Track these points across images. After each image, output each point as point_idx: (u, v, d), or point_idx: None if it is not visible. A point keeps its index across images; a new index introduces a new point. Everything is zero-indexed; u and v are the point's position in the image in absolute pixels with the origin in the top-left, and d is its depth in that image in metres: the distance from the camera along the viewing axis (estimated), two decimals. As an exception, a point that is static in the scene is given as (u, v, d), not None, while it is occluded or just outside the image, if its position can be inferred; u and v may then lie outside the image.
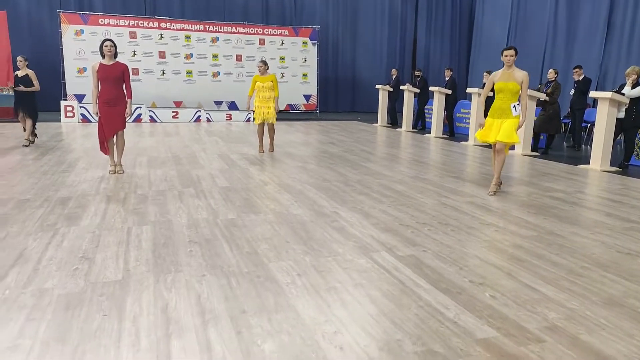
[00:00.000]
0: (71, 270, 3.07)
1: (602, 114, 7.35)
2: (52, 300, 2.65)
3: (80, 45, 13.81)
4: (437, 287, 2.92)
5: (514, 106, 5.36)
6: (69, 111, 12.68)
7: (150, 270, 3.09)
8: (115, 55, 5.93)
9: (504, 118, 5.36)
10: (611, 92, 7.29)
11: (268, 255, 3.41)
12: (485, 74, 10.57)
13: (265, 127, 8.35)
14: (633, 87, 7.40)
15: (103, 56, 5.86)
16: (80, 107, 12.89)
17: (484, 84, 10.46)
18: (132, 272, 3.05)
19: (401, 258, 3.41)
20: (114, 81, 5.87)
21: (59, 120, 12.59)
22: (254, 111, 8.28)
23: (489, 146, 10.00)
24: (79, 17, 13.88)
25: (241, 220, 4.24)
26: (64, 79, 13.78)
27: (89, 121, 12.85)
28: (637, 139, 7.73)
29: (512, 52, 5.32)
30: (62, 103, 12.76)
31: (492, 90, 5.62)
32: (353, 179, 6.21)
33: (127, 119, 6.08)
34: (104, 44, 5.84)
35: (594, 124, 8.09)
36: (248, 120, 14.43)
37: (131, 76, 5.87)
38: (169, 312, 2.55)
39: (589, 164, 7.55)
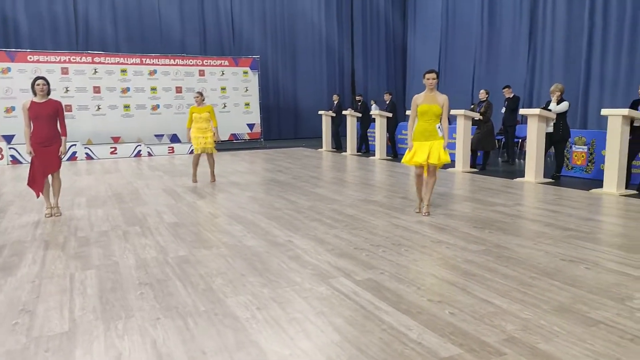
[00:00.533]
0: (10, 325, 2.84)
1: (532, 129, 7.82)
2: (-10, 361, 2.42)
3: (7, 84, 13.10)
4: (398, 309, 2.94)
5: (439, 127, 5.43)
6: (-3, 153, 11.90)
7: (99, 318, 2.90)
8: (48, 93, 5.67)
9: (432, 140, 5.37)
10: (539, 109, 7.80)
11: (224, 291, 3.31)
12: (385, 94, 10.97)
13: (204, 158, 8.41)
14: (558, 103, 7.95)
15: (35, 95, 5.59)
16: (10, 148, 12.15)
17: (387, 104, 10.80)
18: (78, 322, 2.86)
19: (359, 282, 3.42)
20: (47, 119, 5.58)
21: (-14, 163, 11.79)
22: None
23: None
24: (4, 54, 13.20)
25: (193, 256, 4.11)
26: (-10, 119, 12.97)
27: (20, 162, 12.12)
28: (565, 151, 8.28)
29: (434, 75, 5.35)
30: (-11, 144, 11.98)
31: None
32: (304, 205, 6.21)
33: (62, 158, 5.77)
34: (36, 82, 5.56)
35: (526, 139, 8.59)
36: (191, 152, 14.13)
37: (66, 113, 5.60)
38: (123, 362, 2.39)
39: (524, 177, 7.97)
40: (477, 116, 9.35)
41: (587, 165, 8.22)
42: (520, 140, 11.23)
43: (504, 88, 10.35)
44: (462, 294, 3.16)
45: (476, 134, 9.47)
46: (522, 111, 8.46)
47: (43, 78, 5.65)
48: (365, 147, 13.58)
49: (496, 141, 10.82)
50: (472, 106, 11.01)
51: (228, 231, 4.96)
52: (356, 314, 2.90)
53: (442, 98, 5.44)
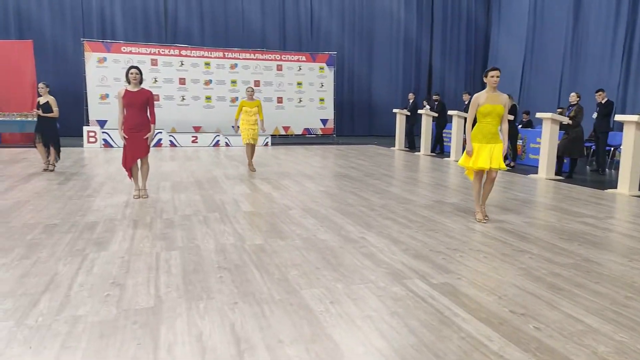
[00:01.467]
0: (103, 296, 3.05)
1: (629, 137, 7.22)
2: (86, 328, 2.62)
3: (103, 72, 14.13)
4: (477, 317, 2.83)
5: (500, 129, 5.22)
6: (92, 136, 12.89)
7: (182, 297, 3.05)
8: (140, 82, 6.02)
9: (493, 142, 5.13)
10: (637, 116, 7.18)
11: (299, 282, 3.35)
12: (464, 94, 10.45)
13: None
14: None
15: (129, 82, 5.96)
16: (103, 132, 13.11)
17: (466, 105, 10.32)
18: (163, 299, 3.01)
19: (435, 286, 3.32)
20: (139, 107, 5.95)
21: (82, 146, 12.80)
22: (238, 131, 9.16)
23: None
24: (102, 45, 14.24)
25: (269, 246, 4.20)
26: (87, 105, 14.06)
27: (111, 146, 13.04)
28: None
29: (498, 72, 5.04)
30: (85, 129, 12.99)
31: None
32: (377, 203, 6.15)
33: (149, 144, 6.12)
34: (130, 71, 5.92)
35: (618, 148, 7.95)
36: (266, 144, 14.51)
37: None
38: (204, 341, 2.49)
39: (616, 188, 7.39)
40: (566, 120, 8.79)
41: (691, 180, 7.45)
42: (612, 149, 10.42)
43: (597, 92, 9.63)
44: (548, 308, 2.97)
45: (563, 139, 8.91)
46: (618, 117, 7.82)
47: (136, 67, 6.00)
48: (440, 148, 13.23)
49: (585, 148, 10.12)
50: (559, 110, 10.37)
51: (302, 224, 5.02)
52: (432, 317, 2.82)
53: (505, 98, 5.20)
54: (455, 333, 2.63)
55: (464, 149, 5.26)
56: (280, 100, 15.97)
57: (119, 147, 13.01)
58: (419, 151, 13.23)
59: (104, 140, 13.03)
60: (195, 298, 3.04)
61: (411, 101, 14.24)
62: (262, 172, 8.84)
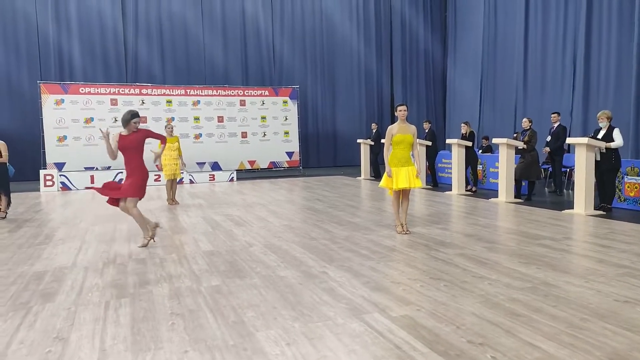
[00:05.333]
0: (43, 353, 2.85)
1: (581, 158, 7.47)
2: (20, 390, 2.42)
3: (61, 114, 13.83)
4: (435, 350, 2.77)
5: (412, 155, 6.15)
6: (49, 180, 12.48)
7: (128, 349, 2.88)
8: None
9: (407, 166, 6.02)
10: (587, 138, 7.45)
11: (255, 324, 3.23)
12: (462, 124, 10.79)
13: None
14: (607, 130, 7.56)
15: (128, 130, 5.55)
16: (60, 175, 12.72)
17: (462, 134, 10.66)
18: (108, 352, 2.84)
19: (395, 319, 3.26)
20: (135, 151, 5.56)
21: (39, 190, 12.36)
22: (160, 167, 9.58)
23: (472, 194, 10.08)
24: (59, 87, 13.99)
25: (226, 287, 4.07)
26: (44, 148, 13.67)
27: (69, 189, 12.65)
28: (617, 181, 7.85)
29: (405, 107, 6.09)
30: (42, 172, 12.59)
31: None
32: (340, 235, 6.10)
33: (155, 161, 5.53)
34: (133, 120, 5.48)
35: (574, 168, 8.21)
36: (232, 180, 14.38)
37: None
38: (149, 397, 2.34)
39: (573, 208, 7.58)
40: (520, 145, 9.05)
41: (642, 197, 7.73)
42: (568, 170, 10.76)
43: (552, 114, 9.99)
44: (506, 335, 2.95)
45: (520, 163, 9.15)
46: (569, 140, 8.10)
47: (136, 114, 5.54)
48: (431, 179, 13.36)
49: (542, 170, 10.41)
50: (515, 135, 10.69)
51: (263, 261, 4.91)
52: (389, 353, 2.75)
53: (413, 128, 6.16)
54: (412, 369, 2.56)
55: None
56: (244, 135, 15.95)
57: (77, 189, 12.65)
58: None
59: (62, 183, 12.63)
60: (142, 349, 2.88)
61: (374, 131, 14.46)
62: (225, 208, 8.70)
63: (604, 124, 7.65)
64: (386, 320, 3.24)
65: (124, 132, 5.58)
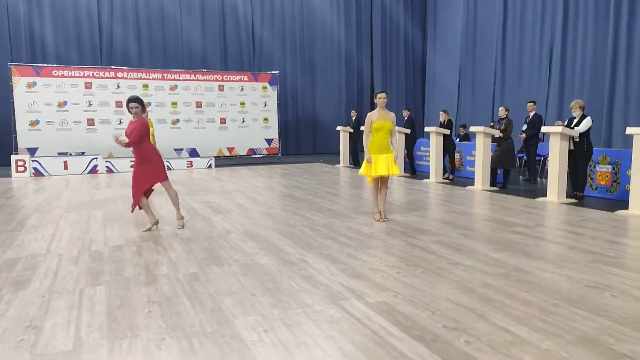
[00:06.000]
0: (16, 342, 2.80)
1: (555, 147, 7.62)
2: (-8, 380, 2.39)
3: (33, 98, 13.42)
4: (411, 335, 2.82)
5: (391, 141, 6.16)
6: (20, 165, 12.16)
7: (104, 337, 2.85)
8: (139, 115, 5.54)
9: (386, 152, 6.06)
10: (561, 127, 7.61)
11: (233, 312, 3.23)
12: (441, 112, 10.89)
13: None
14: (580, 119, 7.74)
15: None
16: (33, 160, 12.40)
17: (440, 122, 10.76)
18: (84, 340, 2.81)
19: (372, 305, 3.31)
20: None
21: (10, 176, 12.04)
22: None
23: (449, 182, 10.22)
24: (31, 69, 13.56)
25: (204, 274, 4.05)
26: (15, 133, 13.28)
27: (42, 175, 12.35)
28: (589, 170, 8.05)
29: (384, 94, 6.08)
30: (13, 157, 12.25)
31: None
32: (319, 222, 6.12)
33: (116, 142, 5.45)
34: (129, 105, 5.47)
35: (547, 157, 8.38)
36: (210, 166, 14.25)
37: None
38: (125, 385, 2.33)
39: (546, 196, 7.76)
40: (497, 133, 9.18)
41: (612, 186, 7.96)
42: (542, 159, 10.98)
43: (528, 102, 10.13)
44: (480, 320, 3.02)
45: (496, 152, 9.29)
46: (543, 129, 8.26)
47: (134, 101, 5.52)
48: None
49: (517, 159, 10.59)
50: (491, 123, 10.84)
51: (241, 248, 4.90)
52: (367, 339, 2.79)
53: (392, 116, 6.18)
54: (388, 354, 2.60)
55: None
56: (223, 121, 15.77)
57: (51, 175, 12.37)
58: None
59: (34, 169, 12.32)
60: (119, 337, 2.85)
61: (354, 118, 14.47)
62: (203, 195, 8.62)
63: (577, 114, 7.82)
64: (364, 307, 3.28)
65: (132, 118, 5.59)
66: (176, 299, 3.48)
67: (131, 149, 5.64)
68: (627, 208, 6.64)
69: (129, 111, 5.55)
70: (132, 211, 5.81)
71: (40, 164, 12.41)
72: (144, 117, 5.63)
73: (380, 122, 6.06)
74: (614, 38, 12.20)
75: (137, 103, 5.53)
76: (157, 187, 5.95)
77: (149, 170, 5.63)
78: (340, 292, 3.58)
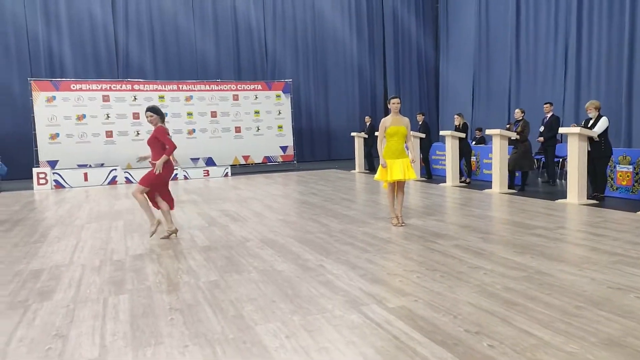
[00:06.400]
0: (44, 350, 2.86)
1: (573, 148, 7.53)
2: (22, 387, 2.44)
3: (52, 112, 13.73)
4: (433, 340, 2.81)
5: (406, 146, 6.20)
6: (42, 178, 12.41)
7: (129, 345, 2.90)
8: (156, 123, 5.70)
9: (402, 158, 6.07)
10: (579, 128, 7.51)
11: (254, 318, 3.25)
12: (456, 116, 10.84)
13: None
14: (595, 120, 7.64)
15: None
16: (54, 173, 12.66)
17: (456, 126, 10.71)
18: (109, 348, 2.86)
19: (392, 310, 3.30)
20: (152, 146, 5.73)
21: (32, 188, 12.30)
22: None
23: (466, 186, 10.14)
24: (50, 84, 13.88)
25: (224, 282, 4.08)
26: (36, 146, 13.58)
27: (62, 187, 12.59)
28: (609, 170, 7.92)
29: (398, 100, 6.10)
30: (34, 170, 12.51)
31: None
32: (336, 228, 6.13)
33: (156, 171, 5.64)
34: (145, 114, 5.71)
35: (566, 158, 8.28)
36: (226, 175, 14.37)
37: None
38: (151, 391, 2.36)
39: (566, 198, 7.65)
40: (514, 136, 9.10)
41: (633, 186, 7.82)
42: (561, 160, 10.84)
43: (545, 104, 10.03)
44: (502, 324, 2.99)
45: (513, 154, 9.21)
46: (561, 130, 8.17)
47: (150, 109, 5.71)
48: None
49: (535, 161, 10.48)
50: (507, 126, 10.75)
51: (259, 255, 4.93)
52: (388, 344, 2.78)
53: (406, 121, 6.20)
54: (410, 358, 2.60)
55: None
56: (238, 129, 15.91)
57: (71, 187, 12.60)
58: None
59: (55, 181, 12.58)
60: (142, 345, 2.90)
61: (368, 124, 14.48)
62: (221, 203, 8.70)
63: (592, 114, 7.73)
64: (384, 312, 3.28)
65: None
66: (197, 306, 3.52)
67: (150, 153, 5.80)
68: (649, 208, 6.52)
69: (147, 120, 5.76)
70: (172, 207, 6.04)
71: (61, 176, 12.66)
72: (160, 125, 5.73)
73: (394, 127, 6.07)
74: (630, 36, 12.03)
75: (151, 112, 5.70)
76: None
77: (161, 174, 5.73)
78: (360, 298, 3.58)
